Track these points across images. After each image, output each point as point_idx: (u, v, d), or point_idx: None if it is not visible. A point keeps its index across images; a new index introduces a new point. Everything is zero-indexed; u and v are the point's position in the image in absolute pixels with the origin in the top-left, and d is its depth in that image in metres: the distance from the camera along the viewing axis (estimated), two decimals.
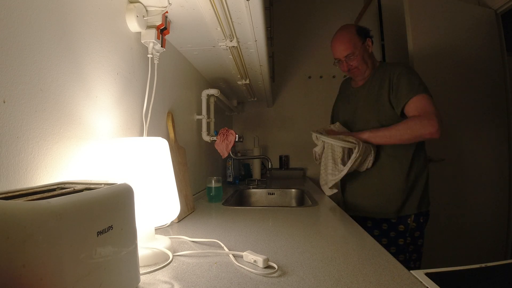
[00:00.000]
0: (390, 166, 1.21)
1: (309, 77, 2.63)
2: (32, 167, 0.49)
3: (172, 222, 0.95)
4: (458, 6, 1.94)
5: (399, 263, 0.60)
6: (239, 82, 1.72)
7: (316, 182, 2.31)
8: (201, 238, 0.79)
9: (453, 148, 1.85)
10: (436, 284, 0.51)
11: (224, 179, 2.06)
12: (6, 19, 0.45)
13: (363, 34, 1.24)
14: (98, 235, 0.38)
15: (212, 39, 1.13)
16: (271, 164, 1.66)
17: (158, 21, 0.87)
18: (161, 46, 0.91)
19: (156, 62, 0.93)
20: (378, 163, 1.23)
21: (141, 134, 0.89)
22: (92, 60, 0.67)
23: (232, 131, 1.46)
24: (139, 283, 0.50)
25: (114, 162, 0.63)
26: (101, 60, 0.70)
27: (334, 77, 2.59)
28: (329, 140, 1.21)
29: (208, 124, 1.53)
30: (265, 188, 1.81)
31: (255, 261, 0.60)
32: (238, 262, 0.61)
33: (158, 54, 0.93)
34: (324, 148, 1.28)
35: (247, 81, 1.70)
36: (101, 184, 0.46)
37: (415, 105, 1.11)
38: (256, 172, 2.23)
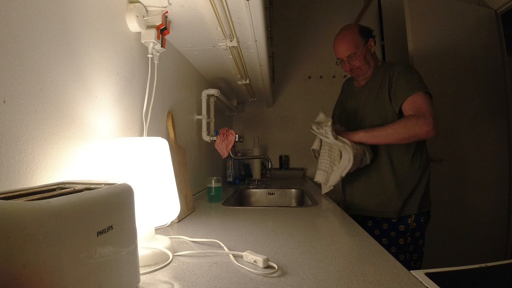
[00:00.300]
0: (391, 165, 1.21)
1: (309, 77, 2.63)
2: (32, 167, 0.49)
3: (172, 222, 0.95)
4: (458, 6, 1.94)
5: (399, 263, 0.60)
6: (239, 82, 1.72)
7: (316, 182, 2.32)
8: (201, 238, 0.79)
9: (453, 148, 1.85)
10: (436, 284, 0.51)
11: (224, 179, 2.06)
12: (6, 19, 0.45)
13: (365, 34, 1.25)
14: (98, 235, 0.38)
15: (212, 39, 1.13)
16: (271, 164, 1.66)
17: (158, 21, 0.87)
18: (161, 46, 0.91)
19: (156, 62, 0.93)
20: (379, 162, 1.23)
21: (141, 134, 0.89)
22: (92, 60, 0.67)
23: (232, 131, 1.46)
24: (139, 283, 0.50)
25: (114, 162, 0.63)
26: (101, 60, 0.70)
27: (334, 77, 2.59)
28: (324, 138, 1.21)
29: (208, 124, 1.53)
30: (265, 188, 1.81)
31: (255, 261, 0.60)
32: (238, 262, 0.61)
33: (158, 54, 0.93)
34: (321, 144, 1.29)
35: (247, 81, 1.70)
36: (101, 184, 0.46)
37: (411, 103, 1.11)
38: (256, 172, 2.23)
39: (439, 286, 0.50)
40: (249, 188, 1.80)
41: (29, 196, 0.36)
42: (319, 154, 1.32)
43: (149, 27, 0.87)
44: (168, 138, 1.10)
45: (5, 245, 0.30)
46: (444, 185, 1.79)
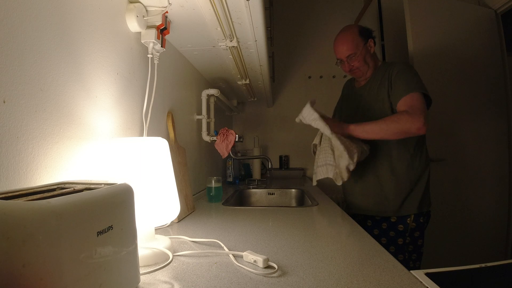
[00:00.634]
0: (389, 165, 1.21)
1: (309, 77, 2.63)
2: (32, 167, 0.49)
3: (172, 222, 0.95)
4: (458, 6, 1.94)
5: (399, 263, 0.60)
6: (239, 82, 1.72)
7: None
8: (201, 238, 0.79)
9: (453, 148, 1.85)
10: (436, 284, 0.51)
11: (224, 179, 2.06)
12: (6, 19, 0.45)
13: (365, 34, 1.25)
14: (98, 235, 0.38)
15: (212, 39, 1.13)
16: (271, 164, 1.66)
17: (158, 21, 0.87)
18: (161, 46, 0.91)
19: (156, 62, 0.93)
20: (378, 161, 1.23)
21: (141, 134, 0.89)
22: (92, 60, 0.67)
23: (232, 131, 1.46)
24: (139, 283, 0.50)
25: (114, 162, 0.63)
26: (101, 60, 0.70)
27: (334, 77, 2.59)
28: (313, 123, 1.19)
29: (208, 124, 1.53)
30: (265, 188, 1.81)
31: (255, 261, 0.60)
32: (238, 262, 0.61)
33: (158, 54, 0.93)
34: (321, 140, 1.26)
35: (247, 81, 1.70)
36: (101, 184, 0.46)
37: (405, 102, 1.12)
38: (256, 172, 2.23)
39: (439, 286, 0.50)
40: (249, 188, 1.80)
41: (29, 196, 0.36)
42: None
43: (149, 27, 0.87)
44: (168, 138, 1.10)
45: (5, 245, 0.30)
46: (444, 185, 1.79)
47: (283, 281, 0.53)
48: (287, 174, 2.49)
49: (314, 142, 1.33)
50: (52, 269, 0.32)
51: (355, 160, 1.11)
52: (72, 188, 0.42)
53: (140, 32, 0.86)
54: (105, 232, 0.40)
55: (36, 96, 0.50)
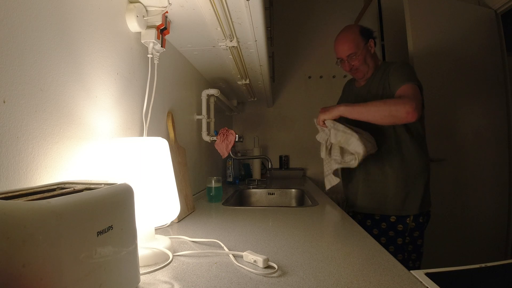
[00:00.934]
0: (389, 164, 1.21)
1: (309, 77, 2.63)
2: (32, 167, 0.49)
3: (172, 222, 0.95)
4: (458, 6, 1.94)
5: (399, 263, 0.60)
6: (239, 82, 1.72)
7: (316, 182, 2.32)
8: (201, 238, 0.79)
9: (453, 148, 1.85)
10: (436, 284, 0.51)
11: (224, 179, 2.06)
12: (6, 19, 0.45)
13: (366, 35, 1.25)
14: (98, 235, 0.38)
15: (212, 39, 1.13)
16: (271, 164, 1.66)
17: (158, 21, 0.87)
18: (161, 46, 0.91)
19: (156, 62, 0.93)
20: (378, 161, 1.23)
21: (141, 134, 0.89)
22: (92, 60, 0.67)
23: (232, 131, 1.46)
24: (139, 283, 0.50)
25: (114, 162, 0.63)
26: (101, 60, 0.70)
27: (334, 77, 2.59)
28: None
29: (208, 124, 1.53)
30: (265, 188, 1.81)
31: (255, 261, 0.60)
32: (238, 262, 0.61)
33: (158, 54, 0.93)
34: (329, 136, 1.21)
35: (247, 81, 1.70)
36: (101, 184, 0.46)
37: (400, 91, 1.12)
38: (256, 172, 2.23)
39: (439, 286, 0.50)
40: (249, 188, 1.80)
41: (29, 196, 0.36)
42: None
43: (149, 27, 0.87)
44: (168, 138, 1.10)
45: (5, 245, 0.30)
46: (444, 185, 1.79)
47: (283, 281, 0.53)
48: (287, 174, 2.49)
49: (322, 156, 1.27)
50: (52, 269, 0.32)
51: (365, 136, 1.12)
52: (72, 188, 0.42)
53: (140, 32, 0.86)
54: (105, 232, 0.40)
55: (36, 96, 0.50)
